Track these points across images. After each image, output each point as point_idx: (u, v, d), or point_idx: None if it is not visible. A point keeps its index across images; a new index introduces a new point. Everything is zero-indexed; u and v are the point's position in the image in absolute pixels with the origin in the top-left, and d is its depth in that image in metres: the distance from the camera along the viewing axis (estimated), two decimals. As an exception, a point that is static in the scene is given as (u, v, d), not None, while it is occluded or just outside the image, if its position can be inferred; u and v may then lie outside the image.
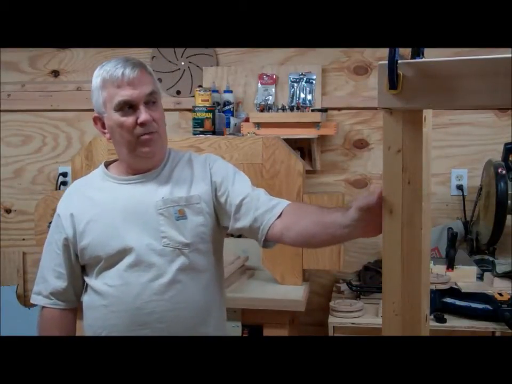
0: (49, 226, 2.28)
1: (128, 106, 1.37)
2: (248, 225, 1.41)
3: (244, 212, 1.41)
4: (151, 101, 1.39)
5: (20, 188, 2.96)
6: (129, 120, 1.37)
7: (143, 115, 1.36)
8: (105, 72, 1.38)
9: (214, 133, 2.34)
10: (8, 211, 2.98)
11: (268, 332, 2.12)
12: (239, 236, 2.40)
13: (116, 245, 1.39)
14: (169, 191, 1.42)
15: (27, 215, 2.89)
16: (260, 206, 1.40)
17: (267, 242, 1.42)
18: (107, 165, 1.52)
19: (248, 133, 2.41)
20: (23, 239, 2.94)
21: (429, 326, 1.00)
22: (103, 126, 1.43)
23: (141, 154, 1.41)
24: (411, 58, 0.87)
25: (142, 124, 1.37)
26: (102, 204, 1.43)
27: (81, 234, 1.42)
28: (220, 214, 1.46)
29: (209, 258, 1.46)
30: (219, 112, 2.48)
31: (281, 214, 1.38)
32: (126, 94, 1.36)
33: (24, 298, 2.92)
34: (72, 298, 1.49)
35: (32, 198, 2.84)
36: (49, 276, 1.47)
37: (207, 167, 1.48)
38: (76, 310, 1.52)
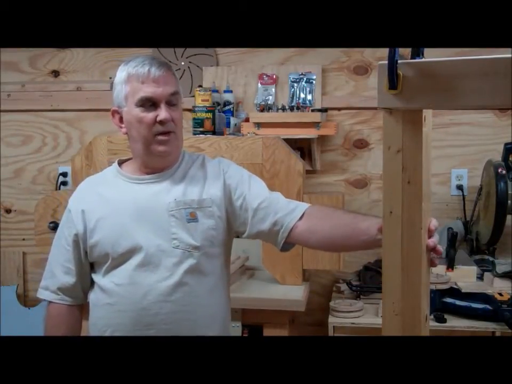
0: (49, 227, 2.31)
1: (149, 103, 1.37)
2: (268, 229, 1.41)
3: (263, 215, 1.41)
4: (172, 101, 1.40)
5: (20, 188, 2.96)
6: (148, 116, 1.37)
7: (163, 113, 1.37)
8: (131, 68, 1.39)
9: (214, 133, 2.34)
10: (8, 211, 2.98)
11: (267, 332, 2.12)
12: (239, 236, 2.40)
13: (126, 243, 1.39)
14: (182, 193, 1.42)
15: (27, 215, 2.90)
16: (279, 209, 1.40)
17: (286, 245, 1.42)
18: (121, 163, 1.52)
19: (248, 133, 2.41)
20: (23, 239, 2.94)
21: (429, 326, 0.99)
22: (121, 120, 1.44)
23: (156, 152, 1.41)
24: (411, 58, 0.87)
25: (161, 122, 1.37)
26: (114, 202, 1.43)
27: (91, 231, 1.42)
28: (233, 219, 1.46)
29: (217, 262, 1.46)
30: (219, 112, 2.48)
31: (302, 216, 1.39)
32: (149, 90, 1.37)
33: (24, 298, 2.92)
34: (80, 295, 1.49)
35: (32, 198, 2.84)
36: (58, 271, 1.47)
37: (221, 171, 1.47)
38: (82, 306, 1.52)
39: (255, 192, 1.45)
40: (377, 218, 1.26)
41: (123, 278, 1.39)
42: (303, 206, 1.41)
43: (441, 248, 1.06)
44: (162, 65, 1.39)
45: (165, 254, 1.38)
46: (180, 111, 1.44)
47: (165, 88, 1.38)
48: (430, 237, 1.01)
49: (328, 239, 1.36)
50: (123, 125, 1.44)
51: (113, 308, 1.40)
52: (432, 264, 1.03)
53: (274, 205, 1.42)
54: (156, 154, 1.41)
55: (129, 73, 1.39)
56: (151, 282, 1.37)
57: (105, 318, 1.42)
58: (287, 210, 1.40)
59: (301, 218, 1.39)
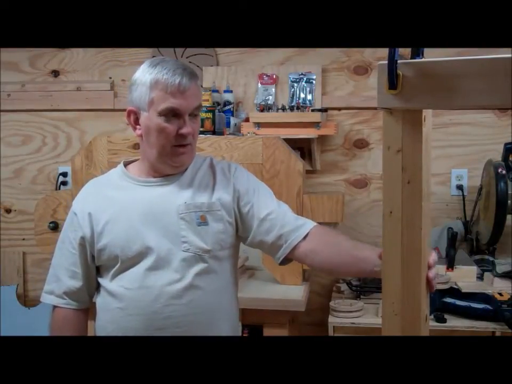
0: (49, 227, 2.31)
1: (173, 114, 1.35)
2: (271, 241, 1.41)
3: (268, 227, 1.41)
4: (194, 113, 1.39)
5: (20, 188, 2.96)
6: (171, 127, 1.36)
7: (187, 127, 1.36)
8: (161, 74, 1.34)
9: (214, 132, 2.34)
10: (8, 211, 2.98)
11: (267, 332, 2.12)
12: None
13: (136, 247, 1.37)
14: (191, 196, 1.41)
15: (27, 215, 2.90)
16: (286, 224, 1.40)
17: (285, 260, 1.42)
18: (126, 164, 1.50)
19: (248, 132, 2.41)
20: (23, 239, 2.94)
21: (429, 326, 0.99)
22: (136, 121, 1.41)
23: (171, 163, 1.40)
24: (411, 58, 0.86)
25: (183, 135, 1.36)
26: (122, 204, 1.41)
27: (99, 234, 1.40)
28: (240, 223, 1.45)
29: (226, 265, 1.45)
30: (219, 112, 2.48)
31: (306, 235, 1.39)
32: (176, 102, 1.34)
33: (24, 298, 2.92)
34: (86, 299, 1.47)
35: (32, 198, 2.84)
36: (63, 275, 1.45)
37: (231, 176, 1.46)
38: (88, 310, 1.50)
39: (263, 201, 1.44)
40: (377, 249, 1.26)
41: (133, 281, 1.37)
42: (309, 225, 1.41)
43: (436, 273, 1.11)
44: (192, 77, 1.36)
45: (175, 257, 1.37)
46: (199, 122, 1.44)
47: (192, 102, 1.36)
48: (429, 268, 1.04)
49: (329, 264, 1.38)
50: (139, 127, 1.40)
51: (124, 312, 1.38)
52: (430, 288, 1.05)
53: (281, 219, 1.41)
54: (170, 165, 1.41)
55: (157, 79, 1.34)
56: (161, 285, 1.36)
57: (115, 322, 1.40)
58: (293, 227, 1.40)
59: (305, 237, 1.39)
